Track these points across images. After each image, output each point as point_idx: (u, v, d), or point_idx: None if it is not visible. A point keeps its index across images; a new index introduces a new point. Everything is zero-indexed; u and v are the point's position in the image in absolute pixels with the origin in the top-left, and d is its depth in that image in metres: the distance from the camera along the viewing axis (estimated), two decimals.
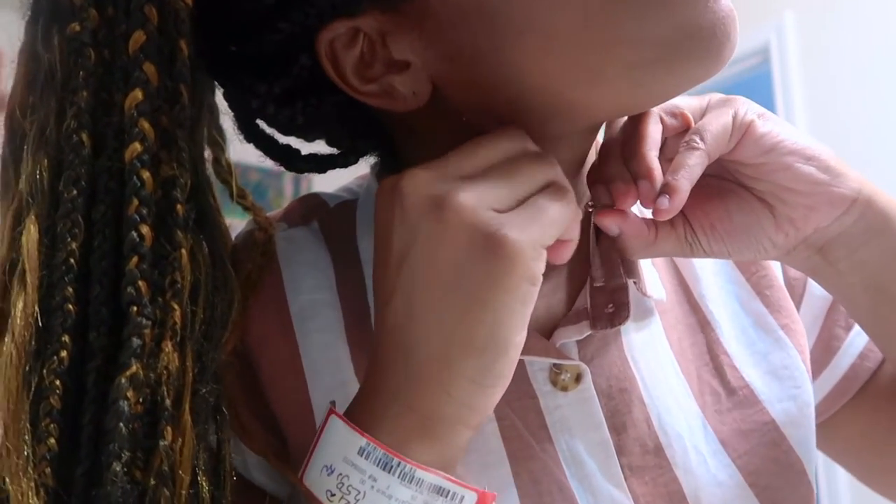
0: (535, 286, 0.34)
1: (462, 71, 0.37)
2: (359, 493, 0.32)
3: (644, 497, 0.42)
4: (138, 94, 0.34)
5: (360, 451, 0.32)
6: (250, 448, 0.40)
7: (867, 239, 0.41)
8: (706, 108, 0.41)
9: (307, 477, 0.34)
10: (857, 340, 0.52)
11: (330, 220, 0.47)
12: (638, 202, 0.40)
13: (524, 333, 0.34)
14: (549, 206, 0.34)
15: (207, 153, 0.41)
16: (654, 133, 0.40)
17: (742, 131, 0.39)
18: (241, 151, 0.46)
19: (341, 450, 0.33)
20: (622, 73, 0.35)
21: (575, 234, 0.37)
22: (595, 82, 0.36)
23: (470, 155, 0.36)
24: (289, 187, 3.04)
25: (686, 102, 0.41)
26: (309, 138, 0.45)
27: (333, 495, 0.32)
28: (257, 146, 0.46)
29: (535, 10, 0.34)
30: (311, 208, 0.48)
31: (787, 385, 0.48)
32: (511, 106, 0.38)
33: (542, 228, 0.34)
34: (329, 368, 0.42)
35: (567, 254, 0.37)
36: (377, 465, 0.32)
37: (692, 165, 0.38)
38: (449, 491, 0.32)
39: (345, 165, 0.49)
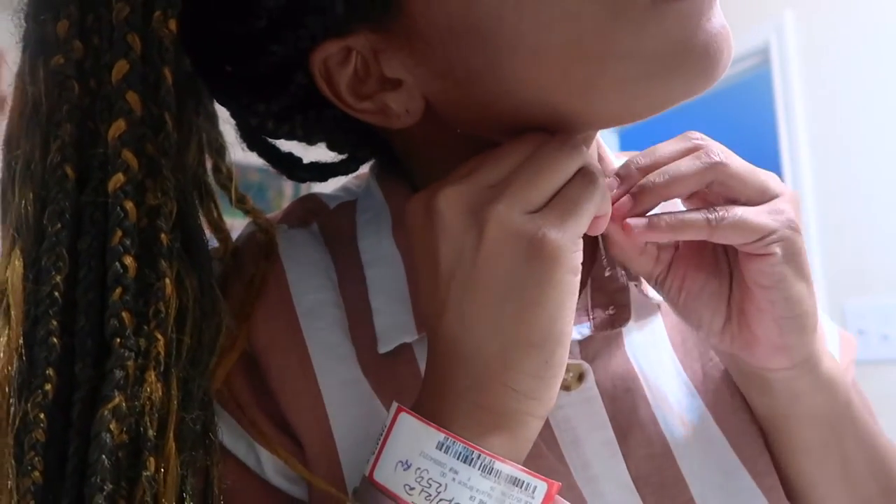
0: (578, 275, 0.35)
1: (455, 88, 0.37)
2: (440, 485, 0.33)
3: (651, 497, 0.42)
4: (121, 123, 0.34)
5: (439, 446, 0.33)
6: (267, 450, 0.40)
7: (784, 396, 0.42)
8: (771, 196, 0.39)
9: (379, 473, 0.34)
10: None
11: (329, 222, 0.47)
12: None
13: (572, 321, 0.35)
14: (579, 196, 0.35)
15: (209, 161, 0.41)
16: (687, 182, 0.38)
17: (758, 251, 0.38)
18: (241, 152, 0.46)
19: (417, 445, 0.34)
20: (616, 87, 0.35)
21: (608, 209, 0.37)
22: (589, 96, 0.35)
23: (494, 162, 0.36)
24: (289, 187, 3.04)
25: (750, 178, 0.39)
26: (311, 143, 0.45)
27: (413, 489, 0.33)
28: (260, 155, 0.46)
29: (527, 28, 0.33)
30: (310, 210, 0.48)
31: None
32: (505, 119, 0.38)
33: (577, 220, 0.35)
34: (339, 367, 0.42)
35: (602, 226, 0.38)
36: (457, 458, 0.33)
37: (685, 222, 0.38)
38: (523, 482, 0.33)
39: (346, 173, 0.49)
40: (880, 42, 2.17)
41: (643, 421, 0.43)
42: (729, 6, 0.37)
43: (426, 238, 0.36)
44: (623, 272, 0.44)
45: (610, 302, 0.43)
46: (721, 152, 0.39)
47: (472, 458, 0.33)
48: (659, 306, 0.46)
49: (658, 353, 0.46)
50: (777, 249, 0.38)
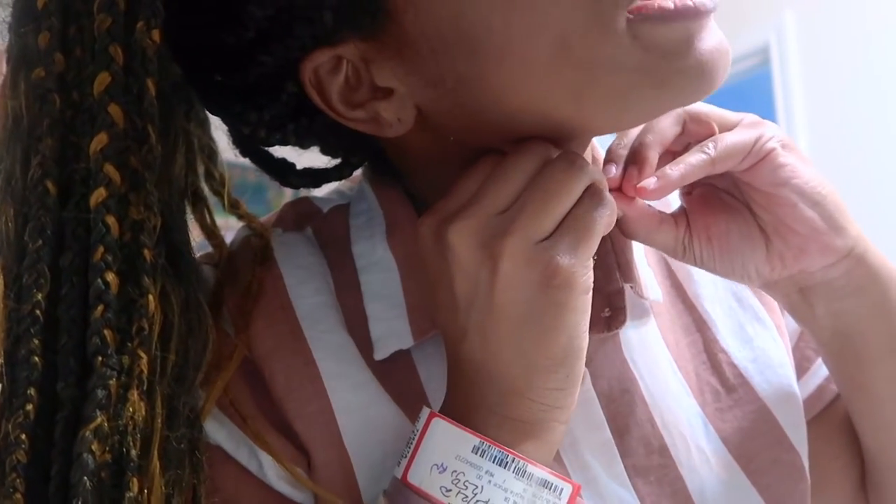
0: (590, 292, 0.36)
1: (446, 97, 0.37)
2: (476, 487, 0.34)
3: (650, 497, 0.42)
4: (103, 137, 0.34)
5: (475, 450, 0.34)
6: (269, 454, 0.40)
7: (848, 293, 0.42)
8: (737, 124, 0.41)
9: (413, 476, 0.35)
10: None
11: (323, 226, 0.46)
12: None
13: (587, 334, 0.36)
14: (589, 217, 0.36)
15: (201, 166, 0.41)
16: (664, 129, 0.40)
17: (759, 156, 0.39)
18: (235, 152, 0.45)
19: (452, 449, 0.35)
20: (607, 96, 0.35)
21: (615, 217, 0.38)
22: (580, 104, 0.35)
23: (499, 185, 0.36)
24: (288, 188, 3.04)
25: (720, 114, 0.42)
26: (304, 147, 0.45)
27: (449, 490, 0.34)
28: (253, 161, 0.46)
29: (514, 36, 0.33)
30: (303, 214, 0.47)
31: (785, 383, 0.48)
32: (499, 127, 0.37)
33: (588, 243, 0.35)
34: (346, 369, 0.41)
35: (611, 226, 0.38)
36: (493, 462, 0.34)
37: (690, 163, 0.39)
38: (552, 484, 0.35)
39: (339, 178, 0.48)
40: (880, 42, 2.17)
41: (640, 421, 0.43)
42: (729, 6, 0.36)
43: (440, 268, 0.36)
44: (618, 274, 0.44)
45: (606, 304, 0.43)
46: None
47: (507, 462, 0.34)
48: (651, 307, 0.46)
49: (654, 354, 0.46)
50: (774, 144, 0.39)
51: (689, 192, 0.44)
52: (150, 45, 0.34)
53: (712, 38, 0.34)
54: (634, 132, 0.42)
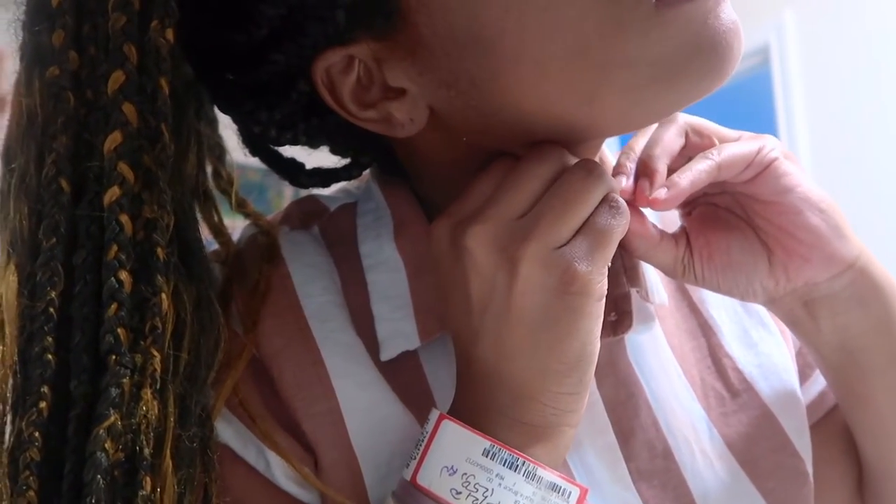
0: (604, 299, 0.36)
1: (459, 97, 0.36)
2: (486, 489, 0.34)
3: (653, 500, 0.42)
4: (117, 135, 0.34)
5: (485, 453, 0.35)
6: (278, 454, 0.40)
7: (852, 306, 0.42)
8: (737, 139, 0.42)
9: (422, 478, 0.35)
10: None
11: (330, 224, 0.46)
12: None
13: (599, 339, 0.37)
14: (606, 226, 0.36)
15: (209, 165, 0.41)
16: (670, 141, 0.41)
17: (763, 166, 0.40)
18: (240, 151, 0.46)
19: (463, 451, 0.35)
20: (621, 95, 0.34)
21: (628, 225, 0.38)
22: (594, 104, 0.35)
23: (516, 190, 0.36)
24: (289, 188, 3.02)
25: (720, 129, 0.42)
26: (314, 147, 0.45)
27: (459, 493, 0.34)
28: (263, 161, 0.46)
29: (529, 38, 0.33)
30: (309, 213, 0.47)
31: (789, 389, 0.48)
32: (511, 129, 0.37)
33: (604, 251, 0.35)
34: (354, 368, 0.41)
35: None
36: (503, 465, 0.34)
37: (698, 170, 0.39)
38: (561, 487, 0.35)
39: (349, 178, 0.49)
40: (880, 42, 2.17)
41: (644, 425, 0.44)
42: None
43: (455, 271, 0.36)
44: (625, 278, 0.44)
45: (612, 308, 0.43)
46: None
47: (518, 465, 0.34)
48: (656, 311, 0.46)
49: (659, 359, 0.46)
50: (777, 154, 0.40)
51: (688, 212, 0.44)
52: (163, 45, 0.34)
53: (727, 16, 0.34)
54: (639, 146, 0.42)
